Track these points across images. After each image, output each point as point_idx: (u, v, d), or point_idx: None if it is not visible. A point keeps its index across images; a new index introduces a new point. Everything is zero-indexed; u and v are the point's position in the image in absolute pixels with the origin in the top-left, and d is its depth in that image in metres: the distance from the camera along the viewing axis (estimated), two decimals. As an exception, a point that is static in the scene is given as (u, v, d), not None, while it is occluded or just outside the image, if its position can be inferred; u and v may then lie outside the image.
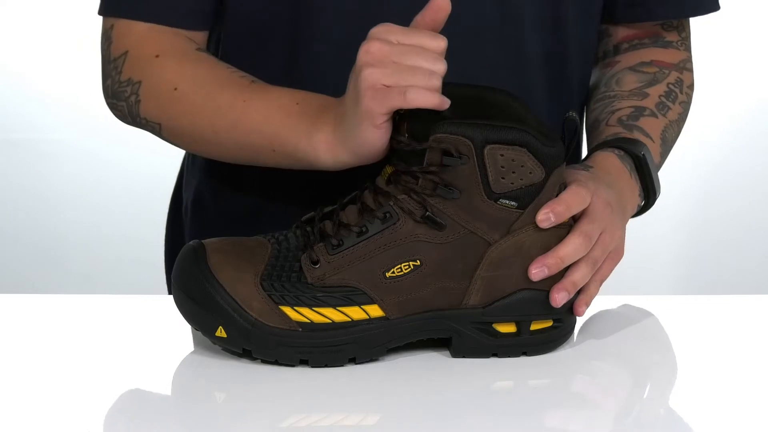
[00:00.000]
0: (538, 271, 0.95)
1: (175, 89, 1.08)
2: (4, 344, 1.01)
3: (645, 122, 1.14)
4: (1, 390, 0.91)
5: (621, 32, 1.24)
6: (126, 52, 1.11)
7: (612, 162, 1.08)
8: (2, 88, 2.68)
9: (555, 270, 0.96)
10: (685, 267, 2.68)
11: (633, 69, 1.20)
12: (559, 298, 0.96)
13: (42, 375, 0.94)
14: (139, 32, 1.11)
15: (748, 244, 2.69)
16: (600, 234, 0.99)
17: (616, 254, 1.02)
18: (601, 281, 1.01)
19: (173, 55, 1.10)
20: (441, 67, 0.93)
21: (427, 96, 0.92)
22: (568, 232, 0.98)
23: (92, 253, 2.66)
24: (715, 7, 1.24)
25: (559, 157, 0.94)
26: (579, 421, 0.88)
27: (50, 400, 0.89)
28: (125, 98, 1.11)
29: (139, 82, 1.10)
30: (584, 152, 1.29)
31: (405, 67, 0.93)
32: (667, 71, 1.21)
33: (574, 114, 0.96)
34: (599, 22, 1.21)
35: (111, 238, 2.64)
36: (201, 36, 1.14)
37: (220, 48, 1.17)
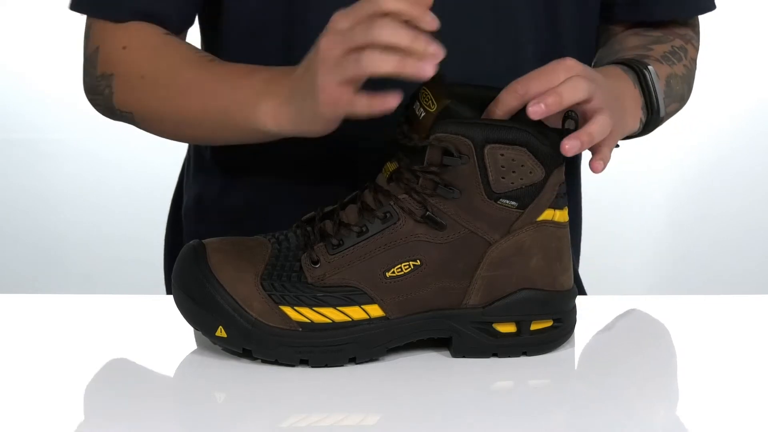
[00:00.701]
0: (535, 107, 0.92)
1: (143, 77, 1.11)
2: (4, 344, 1.01)
3: (651, 64, 1.14)
4: (1, 390, 0.91)
5: (623, 27, 1.24)
6: (97, 48, 1.14)
7: (614, 70, 1.07)
8: (2, 88, 2.68)
9: (553, 107, 0.92)
10: (685, 267, 2.68)
11: (636, 33, 1.21)
12: (569, 144, 0.92)
13: (42, 375, 0.94)
14: (109, 27, 1.14)
15: (747, 244, 2.68)
16: (601, 96, 0.97)
17: (620, 128, 1.00)
18: (611, 148, 0.99)
19: (140, 45, 1.12)
20: (396, 32, 0.89)
21: (384, 62, 0.89)
22: (567, 232, 0.98)
23: (92, 253, 2.65)
24: (711, 6, 1.24)
25: (559, 157, 0.94)
26: (579, 421, 0.88)
27: (50, 400, 0.89)
28: (101, 92, 1.13)
29: (112, 75, 1.12)
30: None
31: (360, 31, 0.90)
32: (671, 37, 1.21)
33: (573, 113, 0.96)
34: (597, 21, 1.21)
35: (111, 238, 2.64)
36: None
37: (220, 47, 1.17)
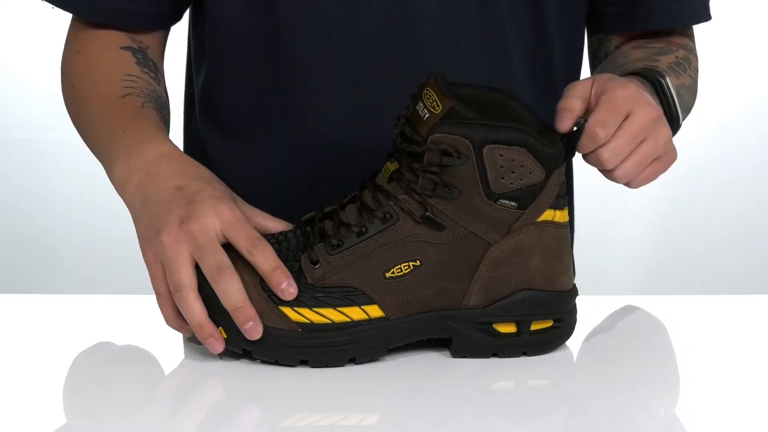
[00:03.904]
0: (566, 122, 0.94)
1: (73, 87, 1.14)
2: (4, 344, 1.02)
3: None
4: (1, 390, 0.91)
5: (620, 38, 1.24)
6: (65, 44, 1.17)
7: (632, 81, 1.06)
8: (2, 88, 2.68)
9: (578, 112, 0.95)
10: (683, 267, 2.68)
11: (639, 45, 1.20)
12: (565, 117, 0.95)
13: (42, 375, 0.94)
14: (78, 25, 1.16)
15: (747, 244, 2.69)
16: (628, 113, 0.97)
17: (666, 158, 1.00)
18: (640, 164, 0.98)
19: (88, 55, 1.14)
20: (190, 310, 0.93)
21: (189, 313, 0.93)
22: (568, 232, 0.98)
23: (92, 253, 2.65)
24: (707, 16, 1.23)
25: (559, 157, 0.94)
26: (578, 422, 0.88)
27: (50, 400, 0.89)
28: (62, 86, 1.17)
29: (62, 73, 1.16)
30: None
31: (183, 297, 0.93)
32: (674, 48, 1.20)
33: (581, 120, 0.96)
34: (585, 25, 1.21)
35: (111, 238, 2.64)
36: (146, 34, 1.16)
37: (207, 55, 1.17)
